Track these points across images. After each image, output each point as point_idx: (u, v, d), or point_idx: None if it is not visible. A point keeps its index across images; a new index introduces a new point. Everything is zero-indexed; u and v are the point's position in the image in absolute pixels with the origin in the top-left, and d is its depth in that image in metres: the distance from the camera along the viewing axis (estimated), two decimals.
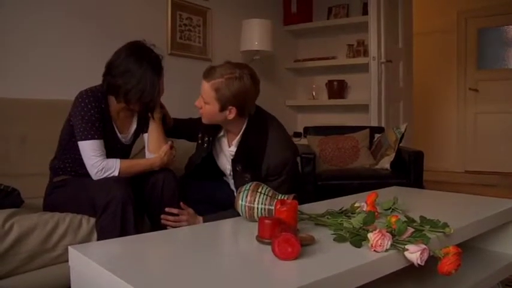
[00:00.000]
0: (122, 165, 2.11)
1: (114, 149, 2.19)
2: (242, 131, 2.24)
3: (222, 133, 2.35)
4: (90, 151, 2.06)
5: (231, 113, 2.13)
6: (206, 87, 2.10)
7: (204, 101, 2.14)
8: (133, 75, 2.05)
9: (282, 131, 2.31)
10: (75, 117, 2.08)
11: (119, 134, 2.24)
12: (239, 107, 2.12)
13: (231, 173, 2.35)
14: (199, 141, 2.39)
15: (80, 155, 2.11)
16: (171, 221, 2.15)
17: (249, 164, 2.20)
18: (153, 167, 2.22)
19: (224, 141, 2.36)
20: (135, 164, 2.20)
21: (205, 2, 4.12)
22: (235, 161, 2.25)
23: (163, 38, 3.78)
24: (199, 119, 2.35)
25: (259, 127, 2.24)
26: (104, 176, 2.07)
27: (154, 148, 2.26)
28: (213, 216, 2.15)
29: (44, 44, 2.95)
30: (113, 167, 2.09)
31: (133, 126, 2.31)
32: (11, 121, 2.57)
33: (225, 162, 2.40)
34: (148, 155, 2.29)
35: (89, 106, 2.07)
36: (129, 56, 2.08)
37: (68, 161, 2.21)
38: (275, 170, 2.18)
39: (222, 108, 2.11)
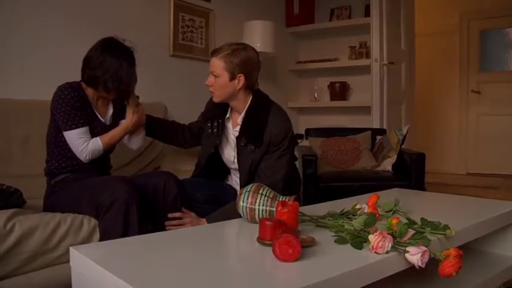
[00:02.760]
0: (103, 141, 2.26)
1: (101, 133, 2.29)
2: (247, 107, 2.38)
3: (228, 115, 2.47)
4: (76, 139, 2.20)
5: (240, 82, 2.31)
6: (215, 61, 2.30)
7: (215, 75, 2.30)
8: (111, 66, 2.18)
9: (282, 109, 2.46)
10: (57, 110, 2.18)
11: (101, 118, 2.33)
12: (247, 75, 2.31)
13: (235, 160, 2.42)
14: (209, 130, 2.49)
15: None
16: (174, 225, 2.16)
17: (252, 136, 2.33)
18: (128, 129, 2.37)
19: (229, 127, 2.48)
20: (113, 135, 2.32)
21: (208, 3, 4.13)
22: (239, 137, 2.37)
23: (165, 39, 3.79)
24: (196, 122, 2.63)
25: (262, 103, 2.41)
26: (94, 156, 2.24)
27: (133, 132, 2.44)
28: (216, 215, 2.17)
29: (47, 45, 2.96)
30: (97, 147, 2.24)
31: (110, 111, 2.41)
32: (13, 122, 2.58)
33: (230, 151, 2.47)
34: (127, 138, 2.45)
35: (68, 97, 2.18)
36: (106, 50, 2.22)
37: (63, 159, 2.26)
38: (277, 138, 2.32)
39: (232, 77, 2.29)
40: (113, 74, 2.18)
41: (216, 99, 2.38)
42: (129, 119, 2.36)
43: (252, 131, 2.33)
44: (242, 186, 2.38)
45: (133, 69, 2.27)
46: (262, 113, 2.36)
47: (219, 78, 2.30)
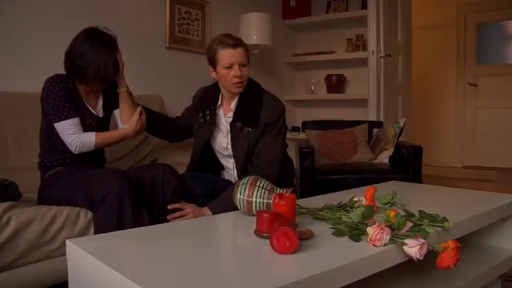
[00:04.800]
0: (97, 138, 2.24)
1: (91, 125, 2.29)
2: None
3: (219, 102, 2.49)
4: (66, 130, 2.18)
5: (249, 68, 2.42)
6: (241, 51, 2.34)
7: (243, 64, 2.35)
8: (88, 56, 2.17)
9: (273, 94, 2.51)
10: (47, 102, 2.18)
11: (92, 111, 2.32)
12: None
13: (229, 146, 2.44)
14: (201, 120, 2.51)
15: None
16: (177, 217, 2.14)
17: (248, 118, 2.37)
18: (127, 136, 2.35)
19: (221, 114, 2.50)
20: (110, 136, 2.32)
21: None
22: (234, 121, 2.40)
23: (162, 31, 3.76)
24: (182, 116, 2.67)
25: (254, 87, 2.47)
26: (84, 150, 2.21)
27: (127, 119, 2.38)
28: (216, 202, 2.18)
29: (44, 38, 2.94)
30: (89, 141, 2.22)
31: (101, 103, 2.39)
32: (9, 115, 2.57)
33: (223, 138, 2.49)
34: (121, 126, 2.40)
35: (57, 88, 2.18)
36: (84, 40, 2.20)
37: (55, 152, 2.25)
38: (273, 118, 2.38)
39: (249, 65, 2.39)
40: (91, 63, 2.16)
41: (241, 90, 2.39)
42: (132, 127, 2.33)
43: (248, 114, 2.37)
44: (238, 170, 2.43)
45: (111, 57, 2.23)
46: (256, 97, 2.41)
47: (246, 67, 2.36)
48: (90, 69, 2.16)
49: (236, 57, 2.32)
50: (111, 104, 2.40)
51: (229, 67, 2.32)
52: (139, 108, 2.38)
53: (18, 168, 2.46)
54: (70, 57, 2.21)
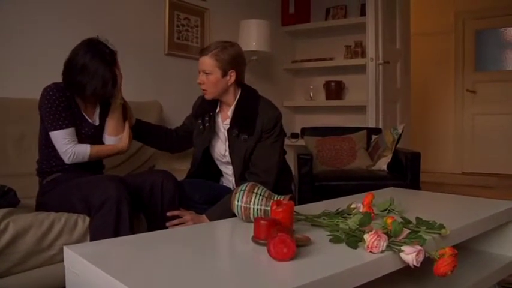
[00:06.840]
0: (91, 151, 2.26)
1: (87, 133, 2.30)
2: (236, 100, 2.45)
3: (218, 108, 2.51)
4: (61, 140, 2.19)
5: (232, 78, 2.39)
6: (206, 59, 2.35)
7: (206, 73, 2.35)
8: (88, 71, 2.17)
9: (270, 101, 2.53)
10: (43, 111, 2.19)
11: (89, 119, 2.33)
12: (237, 70, 2.40)
13: (227, 153, 2.45)
14: (200, 127, 2.52)
15: None
16: (176, 224, 2.15)
17: (244, 125, 2.38)
18: (121, 151, 2.39)
19: (219, 121, 2.51)
20: (104, 149, 2.35)
21: (203, 2, 4.12)
22: (231, 128, 2.41)
23: (160, 38, 3.78)
24: (184, 125, 2.69)
25: (251, 94, 2.50)
26: (77, 160, 2.22)
27: (111, 131, 2.37)
28: (214, 209, 2.20)
29: (43, 44, 2.95)
30: (84, 152, 2.23)
31: (97, 111, 2.39)
32: (8, 121, 2.58)
33: (221, 145, 2.50)
34: (106, 137, 2.38)
35: (54, 97, 2.18)
36: (85, 53, 2.19)
37: (53, 159, 2.25)
38: (269, 125, 2.39)
39: (224, 74, 2.36)
40: (90, 79, 2.16)
41: (208, 97, 2.42)
42: (125, 141, 2.37)
43: (244, 121, 2.38)
44: (237, 176, 2.44)
45: (110, 73, 2.23)
46: (252, 104, 2.42)
47: (211, 75, 2.34)
48: (89, 85, 2.17)
49: (200, 65, 2.38)
50: (107, 112, 2.39)
51: (199, 73, 2.39)
52: (127, 124, 2.40)
53: (17, 175, 2.46)
54: (69, 70, 2.20)
